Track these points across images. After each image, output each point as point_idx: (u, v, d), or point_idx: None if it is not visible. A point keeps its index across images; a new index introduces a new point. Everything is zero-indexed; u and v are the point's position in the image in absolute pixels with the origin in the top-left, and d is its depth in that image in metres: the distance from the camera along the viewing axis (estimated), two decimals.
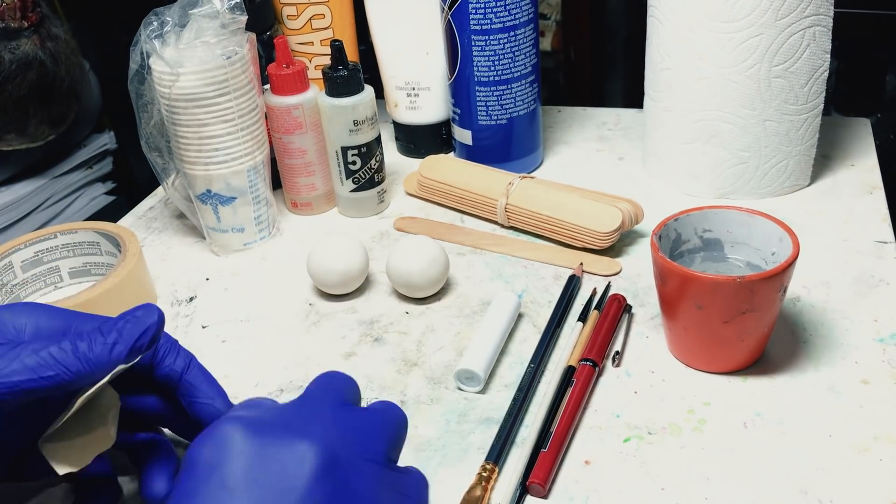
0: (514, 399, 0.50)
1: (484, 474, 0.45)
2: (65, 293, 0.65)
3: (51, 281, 0.65)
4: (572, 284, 0.59)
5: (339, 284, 0.61)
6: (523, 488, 0.45)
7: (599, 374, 0.52)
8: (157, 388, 0.45)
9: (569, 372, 0.52)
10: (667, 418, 0.49)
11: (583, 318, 0.56)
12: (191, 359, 0.45)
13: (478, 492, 0.44)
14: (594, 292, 0.59)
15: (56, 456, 0.39)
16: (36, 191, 0.91)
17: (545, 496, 0.45)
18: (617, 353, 0.54)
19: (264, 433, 0.33)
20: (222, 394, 0.45)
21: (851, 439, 0.46)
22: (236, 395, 0.54)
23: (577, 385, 0.50)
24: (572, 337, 0.55)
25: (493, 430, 0.49)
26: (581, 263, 0.62)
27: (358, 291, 0.63)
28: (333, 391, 0.38)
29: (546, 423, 0.48)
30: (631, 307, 0.58)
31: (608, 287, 0.60)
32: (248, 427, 0.33)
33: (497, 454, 0.47)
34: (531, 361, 0.53)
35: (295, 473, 0.32)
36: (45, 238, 0.64)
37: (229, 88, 0.63)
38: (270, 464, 0.32)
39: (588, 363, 0.52)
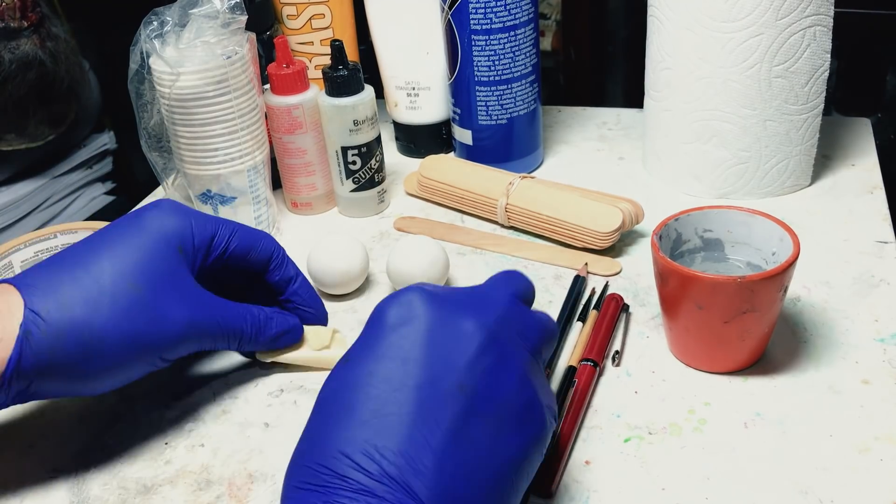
0: None
1: None
2: None
3: None
4: (578, 284, 0.59)
5: (339, 284, 0.61)
6: (528, 490, 0.44)
7: (600, 374, 0.52)
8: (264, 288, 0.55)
9: (569, 372, 0.52)
10: (667, 418, 0.49)
11: (582, 317, 0.56)
12: (298, 272, 0.55)
13: None
14: (593, 292, 0.59)
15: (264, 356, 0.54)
16: (36, 191, 0.91)
17: (551, 497, 0.44)
18: (617, 352, 0.54)
19: (443, 306, 0.38)
20: (321, 305, 0.57)
21: (852, 439, 0.46)
22: (236, 395, 0.54)
23: (580, 385, 0.50)
24: (572, 337, 0.55)
25: None
26: (586, 263, 0.62)
27: (358, 291, 0.63)
28: (511, 286, 0.43)
29: None
30: (629, 306, 0.58)
31: (606, 286, 0.60)
32: (430, 298, 0.38)
33: None
34: None
35: (466, 346, 0.37)
36: (45, 238, 0.64)
37: (229, 88, 0.63)
38: (447, 334, 0.37)
39: (589, 363, 0.52)
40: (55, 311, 0.43)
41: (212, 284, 0.52)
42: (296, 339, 0.54)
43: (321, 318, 0.57)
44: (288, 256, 0.55)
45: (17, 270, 0.63)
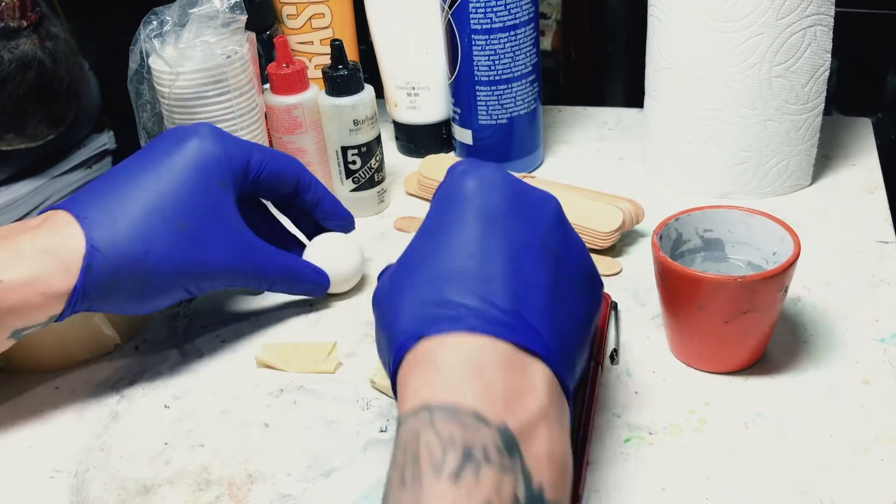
0: None
1: None
2: None
3: None
4: None
5: (333, 284, 0.60)
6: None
7: (601, 374, 0.52)
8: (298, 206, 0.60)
9: None
10: (667, 418, 0.49)
11: None
12: (324, 192, 0.60)
13: None
14: None
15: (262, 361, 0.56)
16: (35, 191, 0.91)
17: (579, 501, 0.44)
18: (615, 350, 0.54)
19: (514, 179, 0.42)
20: (346, 214, 0.62)
21: (852, 439, 0.46)
22: (236, 395, 0.54)
23: (587, 386, 0.50)
24: None
25: None
26: None
27: (358, 291, 0.62)
28: None
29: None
30: (617, 304, 0.58)
31: None
32: (503, 171, 0.41)
33: None
34: None
35: (543, 213, 0.41)
36: None
37: (229, 88, 0.63)
38: (525, 201, 0.41)
39: (591, 363, 0.51)
40: (112, 245, 0.48)
41: (247, 206, 0.58)
42: (321, 293, 0.60)
43: (349, 225, 0.62)
44: (314, 177, 0.59)
45: None
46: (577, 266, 0.42)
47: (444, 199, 0.41)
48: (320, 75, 0.68)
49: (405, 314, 0.38)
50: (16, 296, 0.46)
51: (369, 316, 0.60)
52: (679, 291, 0.49)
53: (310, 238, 0.62)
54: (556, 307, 0.38)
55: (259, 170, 0.55)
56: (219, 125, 0.63)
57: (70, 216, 0.49)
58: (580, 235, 0.63)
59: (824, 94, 0.66)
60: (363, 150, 0.69)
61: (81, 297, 0.48)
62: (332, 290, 0.61)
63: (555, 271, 0.39)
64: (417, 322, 0.37)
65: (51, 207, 0.50)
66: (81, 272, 0.47)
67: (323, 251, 0.60)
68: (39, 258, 0.47)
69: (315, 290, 0.59)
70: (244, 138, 0.65)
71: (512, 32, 0.69)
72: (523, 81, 0.72)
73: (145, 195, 0.50)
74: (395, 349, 0.37)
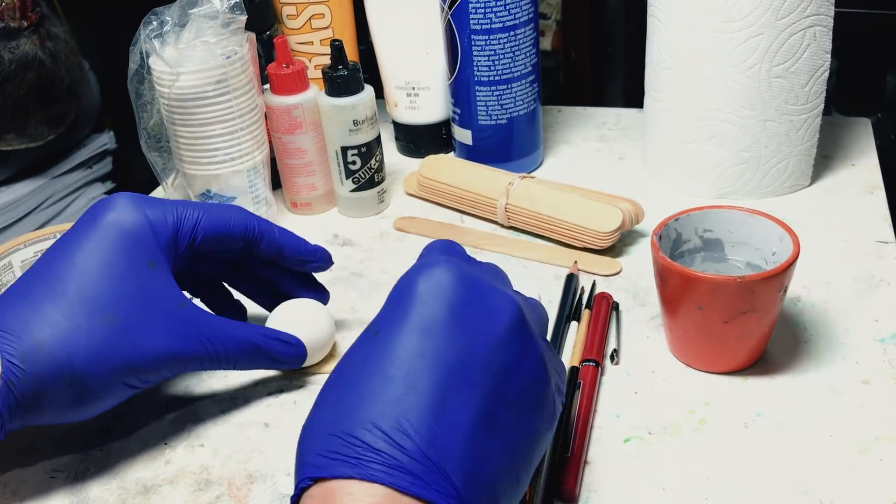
0: None
1: None
2: None
3: None
4: (573, 283, 0.59)
5: (307, 358, 0.54)
6: (551, 495, 0.44)
7: (601, 374, 0.52)
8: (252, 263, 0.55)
9: (573, 373, 0.51)
10: (667, 418, 0.49)
11: (576, 317, 0.56)
12: (281, 237, 0.53)
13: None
14: (582, 291, 0.59)
15: None
16: (35, 191, 0.91)
17: (574, 501, 0.44)
18: (615, 350, 0.54)
19: (473, 281, 0.37)
20: (319, 253, 0.55)
21: (852, 439, 0.46)
22: (235, 395, 0.54)
23: (586, 386, 0.50)
24: (569, 337, 0.55)
25: None
26: (576, 262, 0.62)
27: (358, 291, 0.62)
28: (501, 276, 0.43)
29: (561, 425, 0.48)
30: (618, 304, 0.58)
31: (594, 285, 0.60)
32: (460, 271, 0.37)
33: None
34: None
35: (495, 323, 0.36)
36: (45, 238, 0.64)
37: (229, 88, 0.63)
38: (477, 309, 0.36)
39: (591, 363, 0.52)
40: (31, 357, 0.43)
41: (201, 280, 0.53)
42: (297, 364, 0.53)
43: (325, 261, 0.55)
44: (266, 223, 0.52)
45: (17, 271, 0.63)
46: (529, 383, 0.37)
47: (394, 297, 0.38)
48: (320, 75, 0.68)
49: (313, 442, 0.34)
50: None
51: (369, 316, 0.60)
52: (679, 291, 0.49)
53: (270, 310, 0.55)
54: (482, 442, 0.34)
55: (192, 233, 0.49)
56: (218, 125, 0.63)
57: None
58: (580, 235, 0.63)
59: (824, 94, 0.66)
60: (363, 150, 0.69)
61: (8, 416, 0.43)
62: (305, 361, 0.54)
63: (491, 396, 0.35)
64: (320, 458, 0.33)
65: None
66: (0, 392, 0.42)
67: (289, 318, 0.54)
68: None
69: (290, 363, 0.52)
70: (244, 139, 0.65)
71: (512, 33, 0.69)
72: (523, 82, 0.72)
73: (62, 293, 0.44)
74: (296, 482, 0.34)
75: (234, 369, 0.50)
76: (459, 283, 0.37)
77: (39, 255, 0.64)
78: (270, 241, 0.52)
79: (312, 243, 0.55)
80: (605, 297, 0.57)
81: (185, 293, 0.50)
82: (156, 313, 0.46)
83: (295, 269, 0.55)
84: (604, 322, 0.55)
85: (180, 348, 0.46)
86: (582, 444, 0.46)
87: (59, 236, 0.64)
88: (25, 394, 0.43)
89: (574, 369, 0.52)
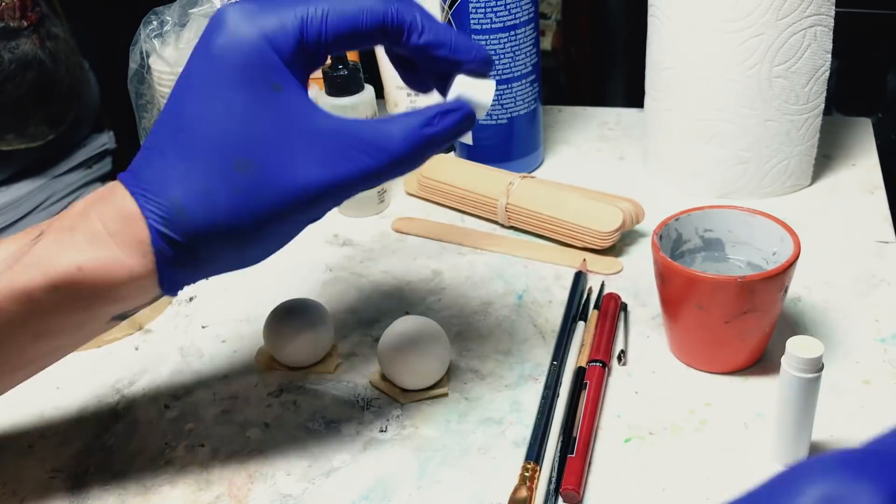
0: (544, 397, 0.50)
1: (526, 474, 0.45)
2: None
3: None
4: (581, 282, 0.59)
5: (303, 356, 0.54)
6: (556, 495, 0.44)
7: (608, 375, 0.52)
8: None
9: (579, 373, 0.51)
10: (668, 418, 0.49)
11: (584, 317, 0.56)
12: (431, 26, 0.43)
13: (523, 492, 0.44)
14: (590, 291, 0.59)
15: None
16: (35, 191, 0.91)
17: (579, 502, 0.44)
18: (622, 351, 0.54)
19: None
20: (476, 50, 0.44)
21: (852, 439, 0.46)
22: (235, 394, 0.54)
23: (592, 387, 0.50)
24: (576, 337, 0.55)
25: (494, 430, 0.49)
26: (584, 259, 0.62)
27: (358, 291, 0.62)
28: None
29: (565, 425, 0.48)
30: (627, 305, 0.58)
31: (602, 286, 0.60)
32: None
33: (536, 453, 0.46)
34: (553, 359, 0.53)
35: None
36: None
37: None
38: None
39: (598, 364, 0.51)
40: (175, 221, 0.39)
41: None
42: (471, 125, 0.45)
43: (484, 63, 0.45)
44: (412, 10, 0.43)
45: None
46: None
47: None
48: (320, 75, 0.68)
49: None
50: (102, 282, 0.40)
51: (369, 316, 0.60)
52: (679, 291, 0.49)
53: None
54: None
55: (319, 37, 0.41)
56: None
57: (126, 192, 0.40)
58: (580, 235, 0.63)
59: (824, 94, 0.66)
60: None
61: (174, 275, 0.41)
62: (303, 363, 0.54)
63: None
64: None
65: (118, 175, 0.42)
66: (155, 255, 0.40)
67: (286, 318, 0.53)
68: (113, 243, 0.40)
69: (465, 128, 0.44)
70: None
71: (512, 32, 0.69)
72: (523, 81, 0.72)
73: (189, 145, 0.40)
74: None
75: (406, 172, 0.43)
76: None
77: None
78: (416, 35, 0.43)
79: (472, 42, 0.45)
80: (614, 297, 0.57)
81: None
82: (294, 143, 0.40)
83: (453, 70, 0.45)
84: (612, 323, 0.55)
85: (334, 174, 0.40)
86: (586, 444, 0.46)
87: None
88: (179, 257, 0.40)
89: (581, 370, 0.52)
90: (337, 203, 0.42)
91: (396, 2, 0.42)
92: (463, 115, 0.43)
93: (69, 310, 0.41)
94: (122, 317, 0.43)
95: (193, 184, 0.39)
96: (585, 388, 0.50)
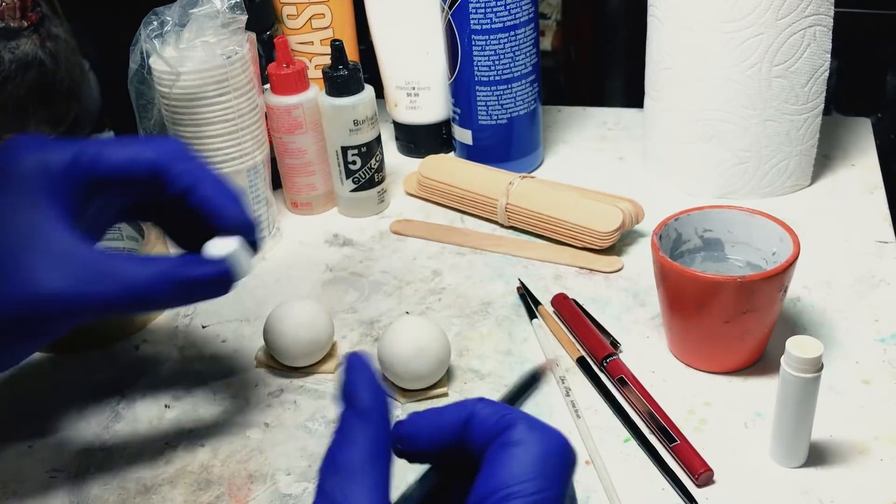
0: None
1: None
2: None
3: None
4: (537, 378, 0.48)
5: (301, 356, 0.54)
6: (683, 487, 0.44)
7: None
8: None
9: (581, 362, 0.52)
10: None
11: (532, 315, 0.57)
12: (199, 176, 0.44)
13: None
14: (529, 291, 0.60)
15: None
16: None
17: (713, 481, 0.44)
18: (613, 340, 0.54)
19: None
20: (234, 207, 0.44)
21: (852, 439, 0.46)
22: (236, 394, 0.54)
23: (631, 380, 0.50)
24: (543, 334, 0.55)
25: None
26: (558, 363, 0.55)
27: (358, 291, 0.62)
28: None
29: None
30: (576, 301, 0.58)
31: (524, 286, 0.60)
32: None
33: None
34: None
35: None
36: None
37: (229, 88, 0.63)
38: None
39: (613, 358, 0.52)
40: None
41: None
42: (226, 288, 0.43)
43: (243, 227, 0.44)
44: (185, 163, 0.44)
45: None
46: None
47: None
48: (320, 75, 0.68)
49: None
50: None
51: (369, 316, 0.60)
52: (679, 291, 0.49)
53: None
54: None
55: (93, 164, 0.42)
56: (219, 125, 0.63)
57: None
58: (580, 235, 0.63)
59: (824, 94, 0.66)
60: (363, 150, 0.69)
61: None
62: (301, 363, 0.54)
63: None
64: None
65: None
66: None
67: (286, 318, 0.53)
68: None
69: (216, 286, 0.43)
70: (244, 139, 0.65)
71: (512, 32, 0.69)
72: (523, 81, 0.72)
73: None
74: None
75: (150, 310, 0.43)
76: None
77: None
78: (181, 189, 0.43)
79: (242, 212, 0.44)
80: (564, 295, 0.58)
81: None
82: (39, 253, 0.40)
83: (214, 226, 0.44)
84: (583, 318, 0.55)
85: (72, 289, 0.40)
86: (676, 429, 0.47)
87: None
88: None
89: (587, 363, 0.52)
90: (71, 326, 0.41)
91: (170, 153, 0.43)
92: (218, 269, 0.42)
93: None
94: None
95: None
96: (625, 385, 0.50)
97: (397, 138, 0.83)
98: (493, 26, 0.69)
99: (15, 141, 0.43)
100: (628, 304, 0.58)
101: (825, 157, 0.73)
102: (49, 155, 0.42)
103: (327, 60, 0.68)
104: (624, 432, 0.48)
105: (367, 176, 0.70)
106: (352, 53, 0.78)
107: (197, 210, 0.44)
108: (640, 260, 0.63)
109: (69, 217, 0.42)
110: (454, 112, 0.76)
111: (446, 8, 0.70)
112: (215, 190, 0.44)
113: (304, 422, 0.51)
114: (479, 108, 0.73)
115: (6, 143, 0.43)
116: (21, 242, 0.40)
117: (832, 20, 0.63)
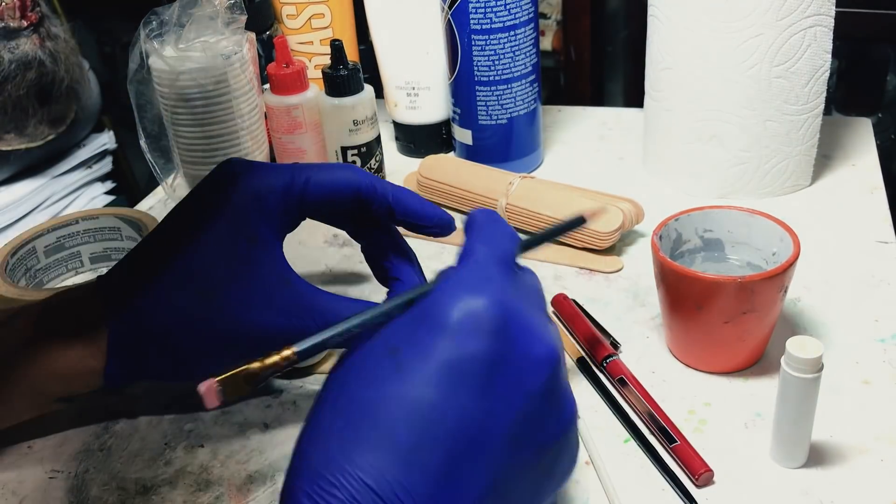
0: None
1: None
2: (85, 278, 0.66)
3: (72, 266, 0.66)
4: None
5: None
6: (683, 488, 0.44)
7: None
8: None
9: (581, 363, 0.52)
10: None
11: None
12: (394, 195, 0.49)
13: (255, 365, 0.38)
14: None
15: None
16: (35, 191, 0.91)
17: (713, 482, 0.44)
18: (612, 340, 0.54)
19: (514, 321, 0.32)
20: (436, 216, 0.50)
21: (852, 439, 0.46)
22: None
23: (630, 380, 0.50)
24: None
25: None
26: None
27: (358, 291, 0.62)
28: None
29: (624, 418, 0.48)
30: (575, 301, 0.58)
31: None
32: (503, 308, 0.32)
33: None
34: None
35: (531, 377, 0.32)
36: (67, 223, 0.65)
37: (229, 88, 0.63)
38: (515, 356, 0.32)
39: (613, 358, 0.52)
40: (132, 322, 0.45)
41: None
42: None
43: (443, 228, 0.50)
44: (382, 183, 0.49)
45: (41, 255, 0.65)
46: (553, 448, 0.33)
47: (418, 318, 0.32)
48: (320, 75, 0.68)
49: (304, 472, 0.32)
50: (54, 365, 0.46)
51: None
52: (679, 291, 0.49)
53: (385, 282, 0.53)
54: None
55: (300, 197, 0.47)
56: (219, 125, 0.63)
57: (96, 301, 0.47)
58: (580, 235, 0.63)
59: (824, 94, 0.66)
60: (363, 150, 0.69)
61: (118, 374, 0.47)
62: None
63: (508, 467, 0.31)
64: (301, 496, 0.31)
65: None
66: (109, 350, 0.46)
67: None
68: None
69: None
70: (244, 139, 0.65)
71: (512, 32, 0.69)
72: (523, 81, 0.72)
73: (166, 269, 0.45)
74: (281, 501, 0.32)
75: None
76: (501, 328, 0.32)
77: (62, 240, 0.65)
78: (382, 201, 0.49)
79: (435, 209, 0.50)
80: (563, 296, 0.58)
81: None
82: (255, 288, 0.45)
83: (417, 232, 0.50)
84: (583, 317, 0.55)
85: (284, 324, 0.45)
86: (676, 429, 0.47)
87: (81, 222, 0.65)
88: (127, 359, 0.46)
89: (587, 363, 0.52)
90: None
91: (370, 177, 0.48)
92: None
93: None
94: (62, 401, 0.48)
95: (158, 300, 0.45)
96: (625, 385, 0.50)
97: (397, 138, 0.83)
98: (493, 26, 0.69)
99: (229, 165, 0.47)
100: (628, 304, 0.58)
101: (825, 157, 0.73)
102: (263, 183, 0.46)
103: (327, 60, 0.68)
104: (624, 433, 0.48)
105: None
106: (352, 53, 0.78)
107: (405, 219, 0.49)
108: (640, 260, 0.63)
109: (280, 246, 0.47)
110: (454, 112, 0.76)
111: (446, 8, 0.70)
112: (411, 200, 0.49)
113: (303, 422, 0.51)
114: (478, 108, 0.73)
115: (221, 167, 0.47)
116: (239, 273, 0.45)
117: (832, 20, 0.63)
